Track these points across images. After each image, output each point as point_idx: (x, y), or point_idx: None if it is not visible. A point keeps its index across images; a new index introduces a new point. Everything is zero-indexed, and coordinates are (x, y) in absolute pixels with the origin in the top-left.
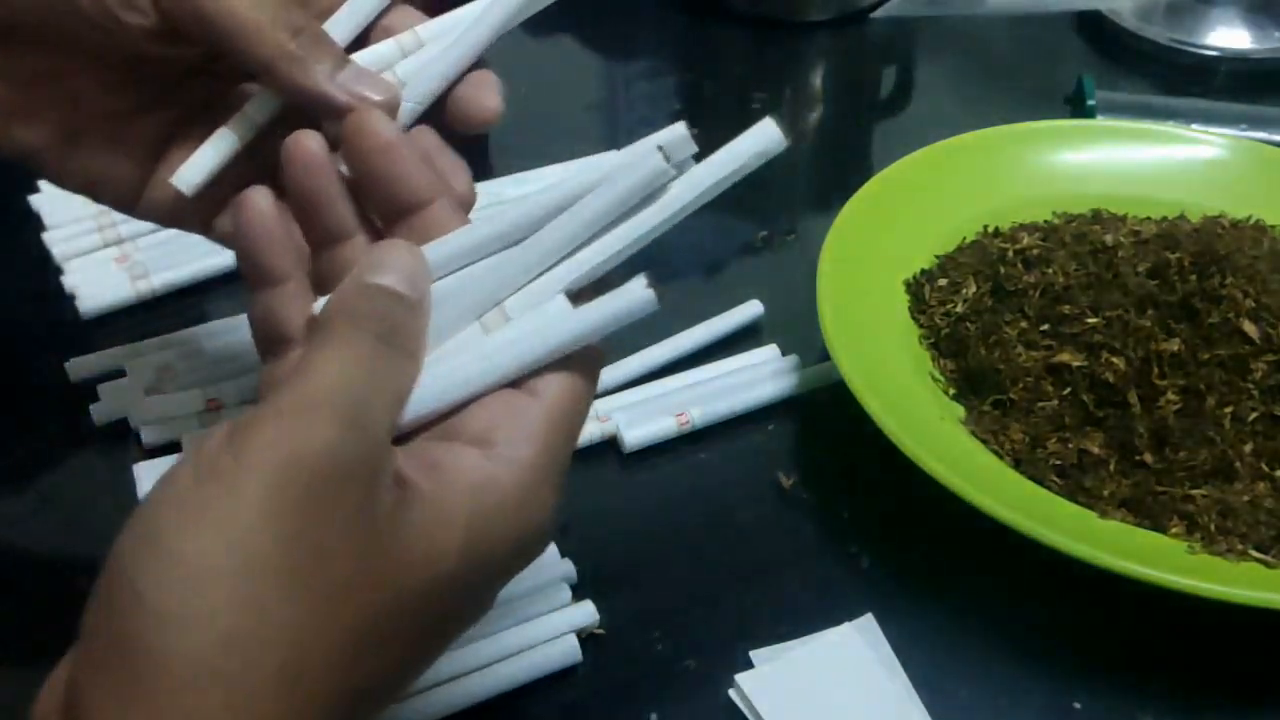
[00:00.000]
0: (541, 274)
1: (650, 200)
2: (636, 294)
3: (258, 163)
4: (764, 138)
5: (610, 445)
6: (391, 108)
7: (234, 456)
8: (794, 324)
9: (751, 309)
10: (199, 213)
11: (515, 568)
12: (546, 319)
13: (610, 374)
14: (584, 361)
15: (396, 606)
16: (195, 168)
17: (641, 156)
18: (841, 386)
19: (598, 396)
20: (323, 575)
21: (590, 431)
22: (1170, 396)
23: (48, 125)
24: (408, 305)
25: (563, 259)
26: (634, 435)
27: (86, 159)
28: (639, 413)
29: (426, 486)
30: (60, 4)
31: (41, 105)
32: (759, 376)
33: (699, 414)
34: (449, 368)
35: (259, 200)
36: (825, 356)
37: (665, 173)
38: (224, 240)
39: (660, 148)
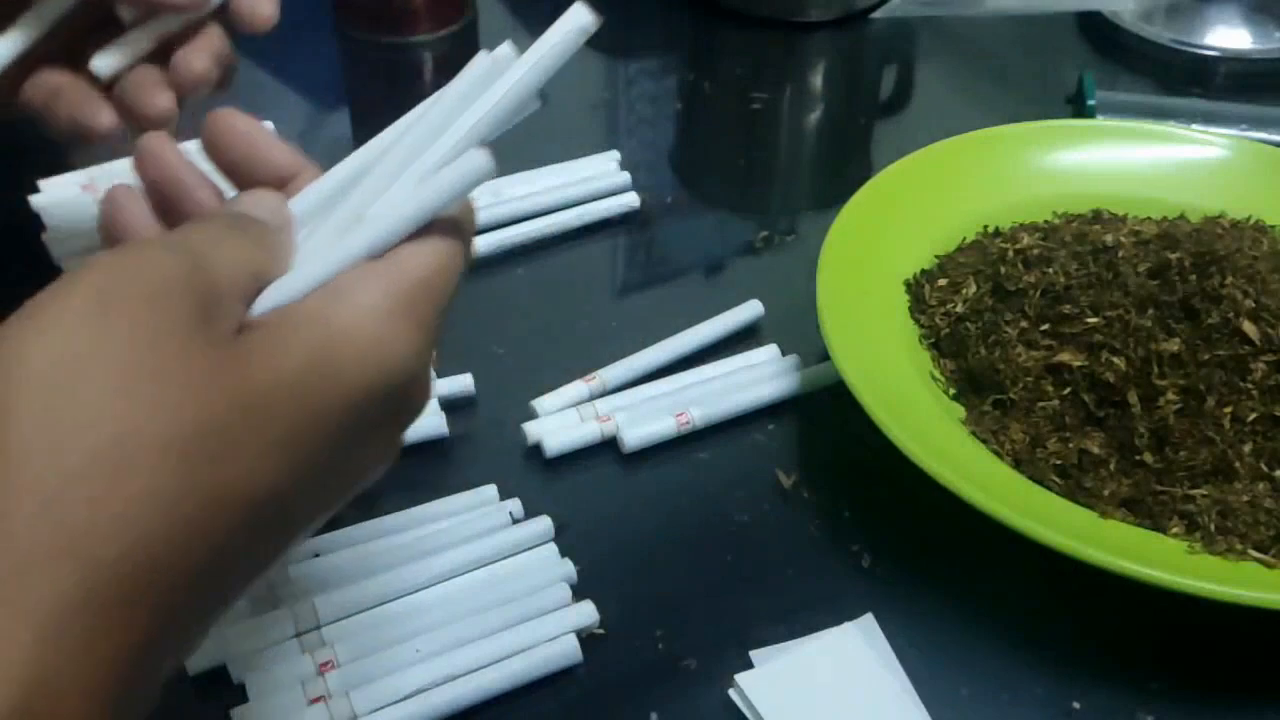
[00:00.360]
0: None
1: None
2: (475, 161)
3: (57, 48)
4: (575, 21)
5: (610, 445)
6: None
7: (69, 279)
8: (794, 324)
9: (751, 309)
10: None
11: (379, 420)
12: (392, 201)
13: (611, 373)
14: (443, 230)
15: (231, 416)
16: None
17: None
18: (841, 386)
19: (598, 396)
20: (148, 370)
21: (590, 431)
22: (1170, 396)
23: None
24: (263, 221)
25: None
26: (634, 435)
27: None
28: (639, 413)
29: (269, 322)
30: None
31: None
32: (759, 376)
33: (699, 414)
34: (305, 264)
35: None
36: (825, 356)
37: (492, 71)
38: (32, 109)
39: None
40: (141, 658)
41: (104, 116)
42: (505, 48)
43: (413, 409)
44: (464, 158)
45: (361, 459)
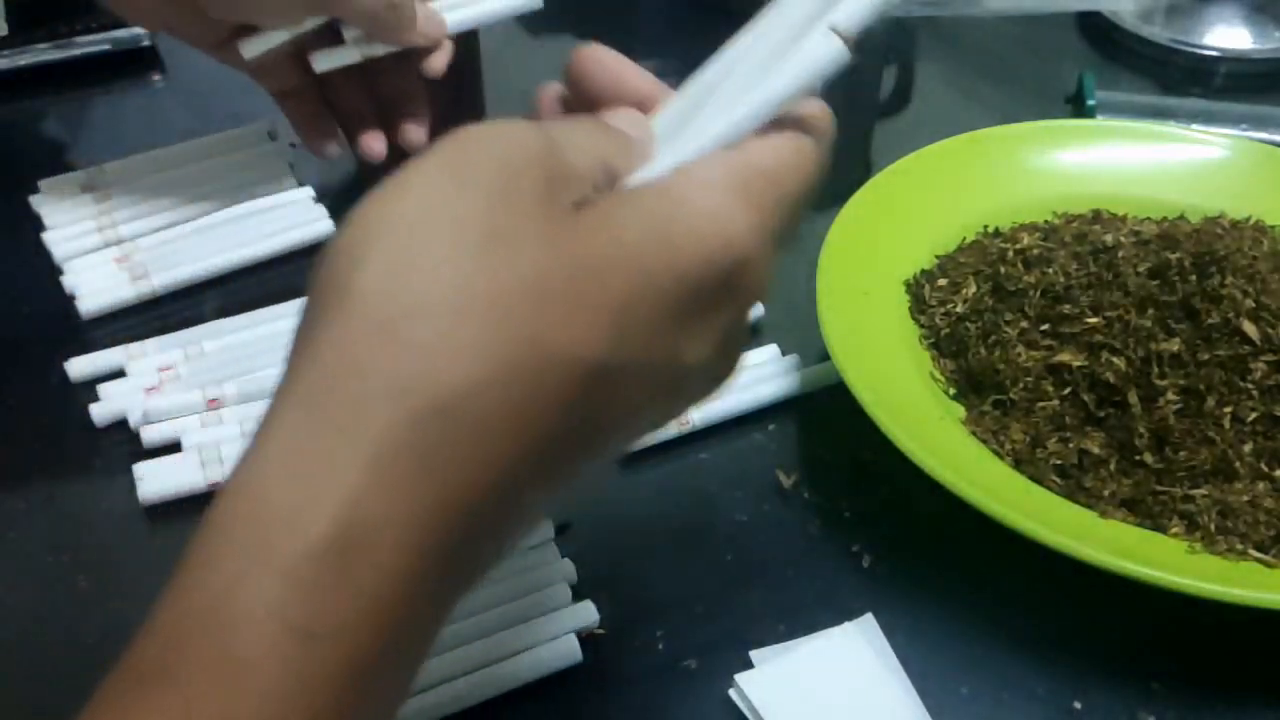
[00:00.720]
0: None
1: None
2: (826, 46)
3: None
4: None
5: None
6: (440, 36)
7: (434, 146)
8: (794, 324)
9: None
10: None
11: (712, 300)
12: (737, 95)
13: None
14: (793, 126)
15: (565, 280)
16: (254, 46)
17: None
18: (841, 386)
19: None
20: (491, 229)
21: None
22: (1170, 396)
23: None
24: (623, 129)
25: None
26: None
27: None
28: None
29: (610, 197)
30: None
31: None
32: (759, 376)
33: (699, 414)
34: (655, 161)
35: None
36: (825, 356)
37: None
38: (256, 79)
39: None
40: (460, 521)
41: (331, 149)
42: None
43: (746, 295)
44: (814, 43)
45: (694, 349)
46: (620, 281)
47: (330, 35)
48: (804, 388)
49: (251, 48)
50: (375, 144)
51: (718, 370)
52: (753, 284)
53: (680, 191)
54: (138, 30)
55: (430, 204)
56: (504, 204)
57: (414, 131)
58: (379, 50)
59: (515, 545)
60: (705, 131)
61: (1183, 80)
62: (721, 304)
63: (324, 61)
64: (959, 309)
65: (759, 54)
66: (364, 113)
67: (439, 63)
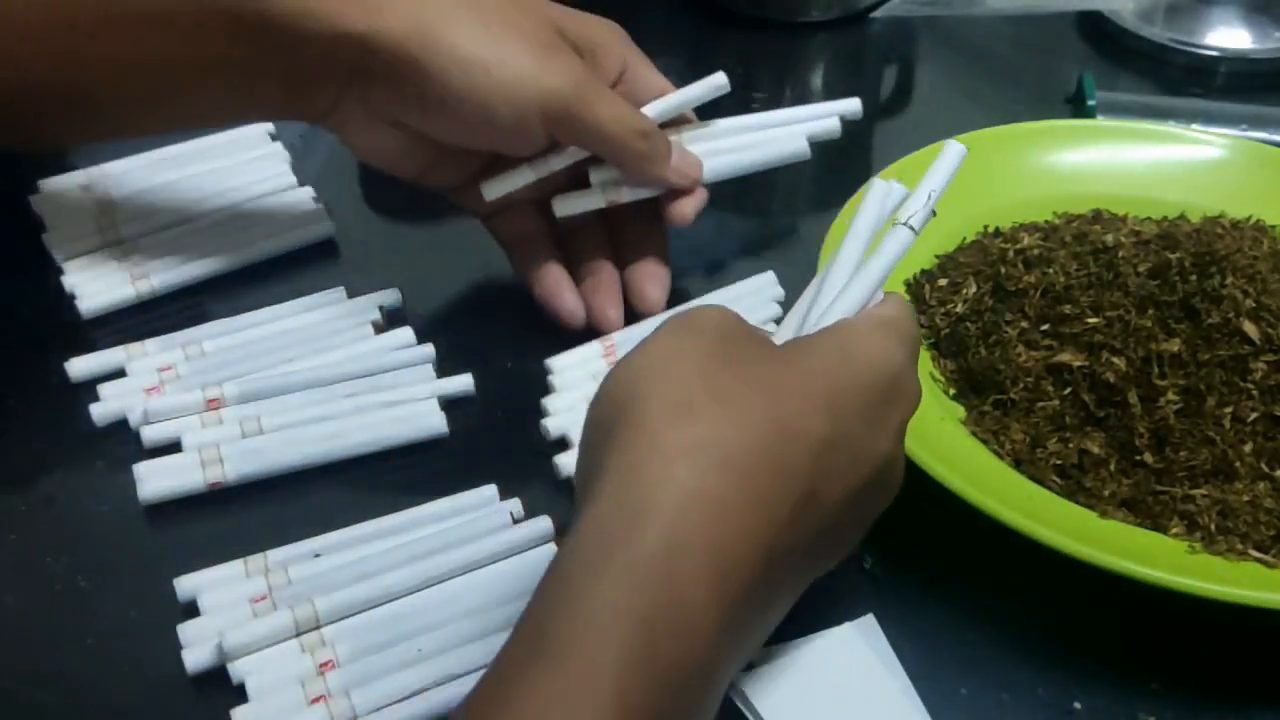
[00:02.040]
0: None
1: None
2: (897, 237)
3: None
4: (955, 153)
5: None
6: (698, 178)
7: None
8: None
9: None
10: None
11: (886, 399)
12: (847, 281)
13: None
14: (894, 298)
15: (789, 385)
16: (496, 188)
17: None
18: None
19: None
20: (745, 376)
21: None
22: (1170, 396)
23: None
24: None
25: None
26: None
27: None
28: None
29: (799, 339)
30: (500, 136)
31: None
32: None
33: None
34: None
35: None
36: None
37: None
38: (488, 226)
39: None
40: (742, 552)
41: (571, 304)
42: (896, 186)
43: (907, 401)
44: (892, 239)
45: (881, 438)
46: (825, 383)
47: (575, 182)
48: None
49: (493, 189)
50: (611, 311)
51: (898, 465)
52: (909, 390)
53: (848, 328)
54: None
55: (678, 345)
56: (730, 340)
57: (653, 291)
58: (625, 196)
59: (778, 618)
60: (836, 306)
61: (1183, 80)
62: (893, 404)
63: (566, 206)
64: (959, 309)
65: (850, 253)
66: (597, 268)
67: (687, 210)
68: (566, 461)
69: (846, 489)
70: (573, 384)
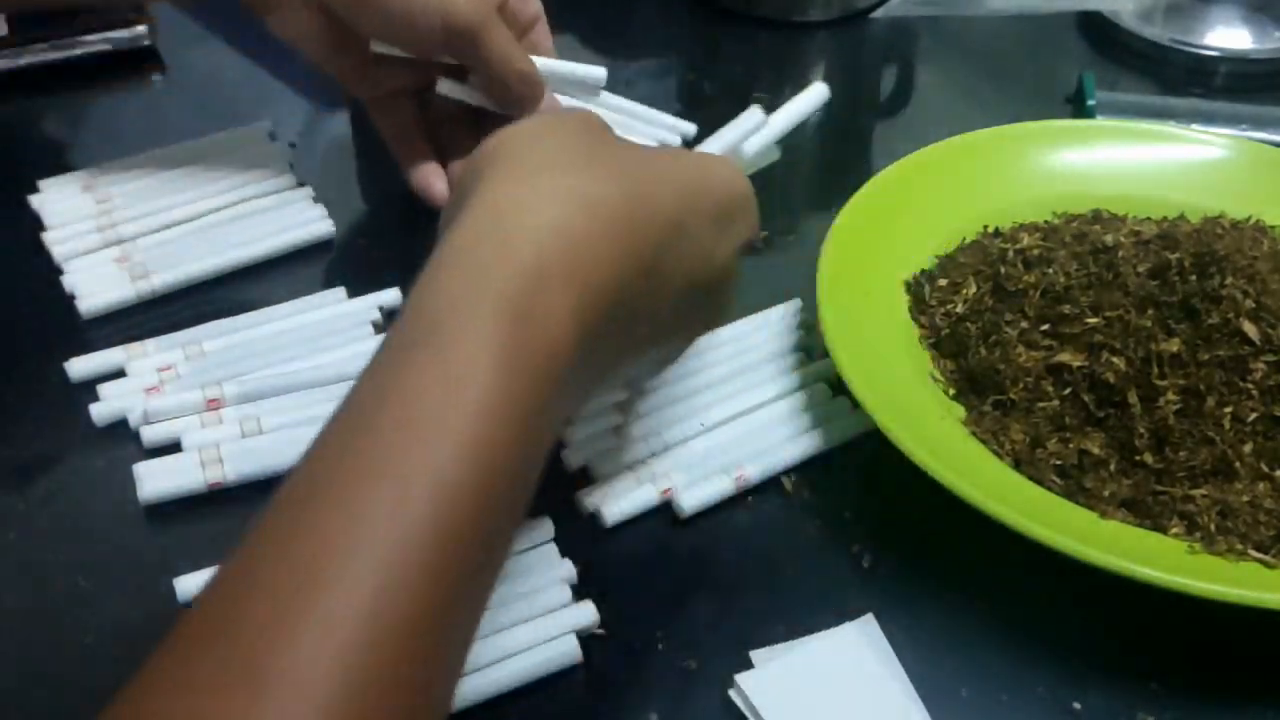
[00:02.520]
0: None
1: None
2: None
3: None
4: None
5: None
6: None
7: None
8: (795, 323)
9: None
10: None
11: (732, 212)
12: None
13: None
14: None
15: (649, 168)
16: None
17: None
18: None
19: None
20: (613, 152)
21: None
22: (1170, 397)
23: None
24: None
25: None
26: (643, 429)
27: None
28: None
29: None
30: (408, 37)
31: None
32: (759, 379)
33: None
34: None
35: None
36: (825, 356)
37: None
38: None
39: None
40: (600, 283)
41: (440, 191)
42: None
43: (747, 226)
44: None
45: (723, 249)
46: (683, 177)
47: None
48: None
49: (444, 86)
50: (438, 183)
51: (732, 284)
52: (751, 217)
53: (705, 153)
54: (138, 30)
55: (555, 122)
56: (600, 128)
57: None
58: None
59: (624, 364)
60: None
61: (1183, 80)
62: (736, 221)
63: (448, 88)
64: (959, 309)
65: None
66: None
67: None
68: (592, 497)
69: (689, 275)
70: (591, 415)
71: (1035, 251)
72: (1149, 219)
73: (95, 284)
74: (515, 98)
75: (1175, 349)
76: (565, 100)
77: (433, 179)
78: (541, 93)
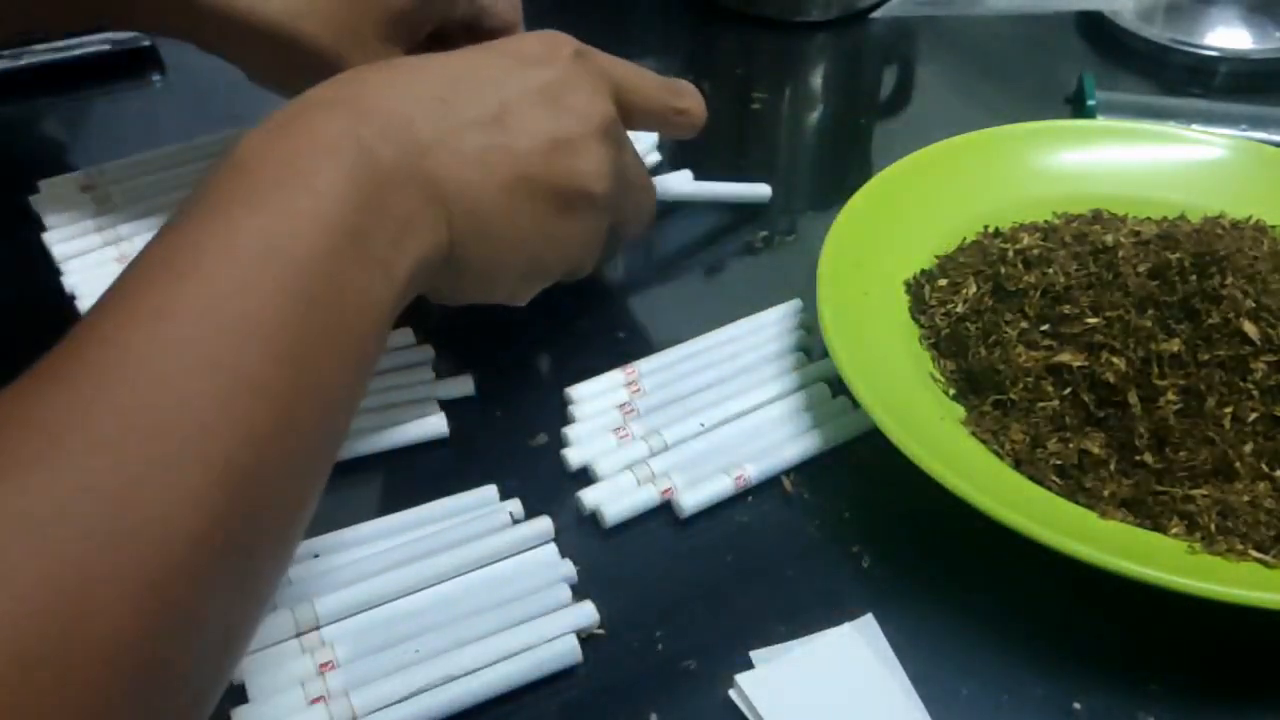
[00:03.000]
0: None
1: None
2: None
3: None
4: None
5: None
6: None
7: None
8: (795, 324)
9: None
10: None
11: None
12: None
13: (617, 377)
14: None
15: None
16: None
17: None
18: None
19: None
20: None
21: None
22: (1170, 397)
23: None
24: None
25: None
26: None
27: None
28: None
29: None
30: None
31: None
32: (758, 379)
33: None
34: None
35: None
36: (825, 355)
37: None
38: None
39: None
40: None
41: None
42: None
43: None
44: None
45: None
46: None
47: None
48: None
49: None
50: None
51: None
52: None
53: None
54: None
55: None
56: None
57: None
58: None
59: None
60: None
61: (1183, 80)
62: (542, 63)
63: None
64: (959, 309)
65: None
66: None
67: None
68: (591, 497)
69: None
70: (593, 414)
71: (1035, 251)
72: (1149, 219)
73: (96, 284)
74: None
75: (1175, 349)
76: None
77: None
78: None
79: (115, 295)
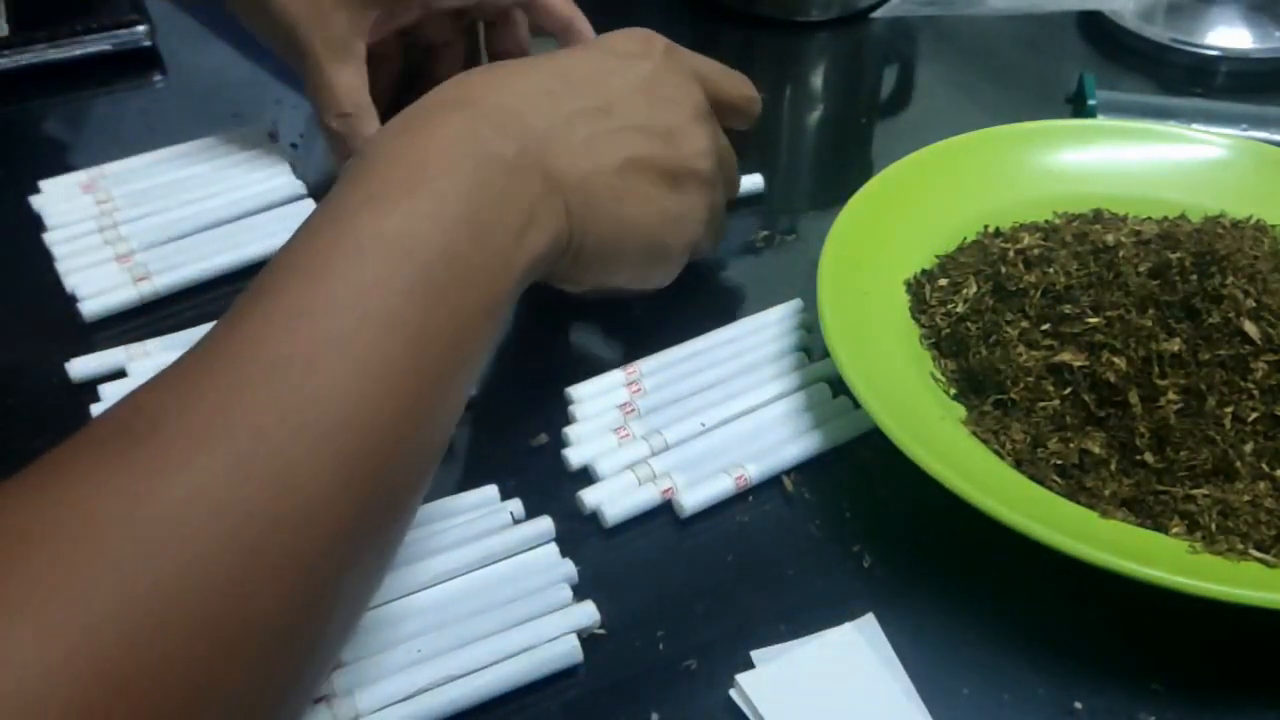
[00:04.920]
0: None
1: None
2: None
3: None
4: None
5: None
6: None
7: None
8: (796, 324)
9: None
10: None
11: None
12: None
13: (616, 378)
14: None
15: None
16: None
17: None
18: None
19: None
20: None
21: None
22: (1171, 396)
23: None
24: None
25: None
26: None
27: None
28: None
29: None
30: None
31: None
32: (758, 380)
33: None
34: None
35: None
36: (825, 355)
37: None
38: None
39: None
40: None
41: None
42: None
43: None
44: None
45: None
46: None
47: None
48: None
49: None
50: None
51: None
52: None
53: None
54: (138, 30)
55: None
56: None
57: None
58: None
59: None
60: None
61: (1183, 80)
62: (638, 56)
63: None
64: (959, 309)
65: None
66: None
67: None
68: (592, 497)
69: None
70: (594, 413)
71: (1036, 251)
72: (1150, 219)
73: (96, 285)
74: (332, 138)
75: (1176, 349)
76: None
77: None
78: (351, 152)
79: (252, 297)
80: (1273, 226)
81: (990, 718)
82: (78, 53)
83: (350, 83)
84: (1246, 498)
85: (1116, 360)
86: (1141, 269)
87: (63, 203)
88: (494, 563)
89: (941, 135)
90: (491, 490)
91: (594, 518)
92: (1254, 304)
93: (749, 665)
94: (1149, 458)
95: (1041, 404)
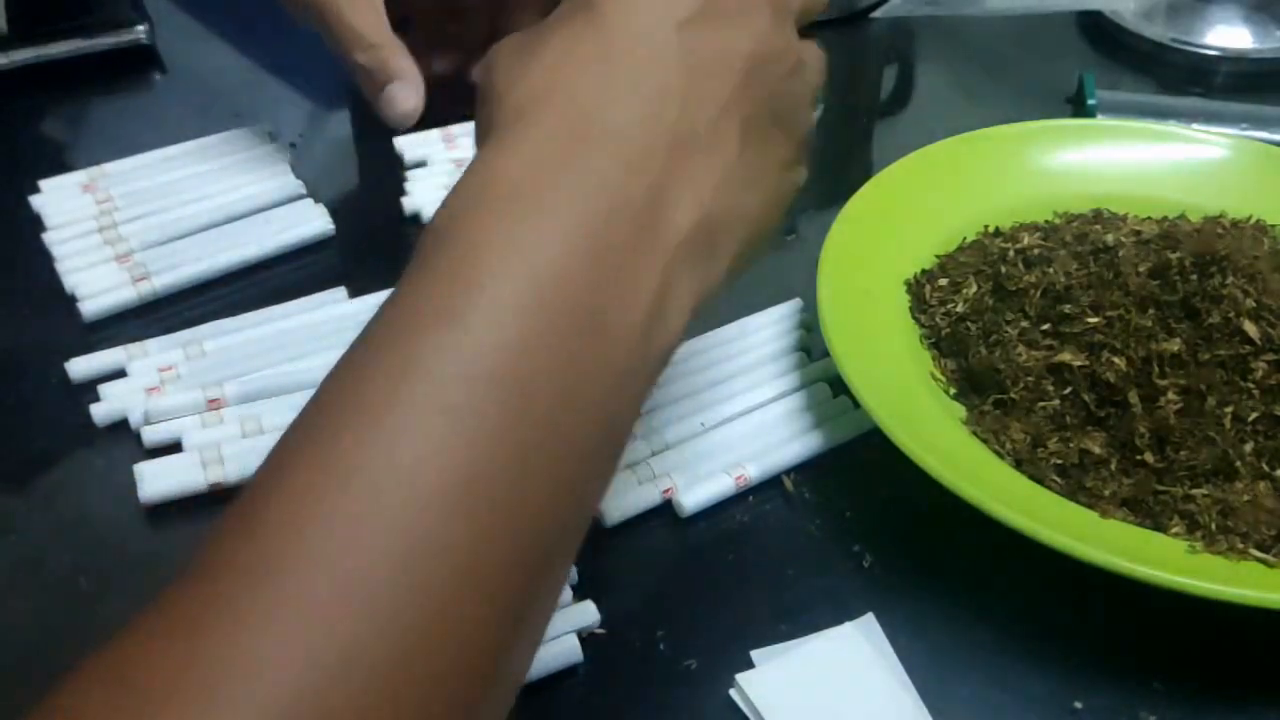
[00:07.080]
0: None
1: None
2: None
3: None
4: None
5: None
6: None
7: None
8: (796, 323)
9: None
10: None
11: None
12: None
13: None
14: None
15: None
16: None
17: None
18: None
19: None
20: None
21: None
22: (1171, 396)
23: None
24: None
25: None
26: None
27: None
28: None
29: None
30: None
31: None
32: (758, 379)
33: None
34: None
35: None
36: (825, 355)
37: None
38: None
39: None
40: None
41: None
42: None
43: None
44: None
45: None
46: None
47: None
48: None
49: None
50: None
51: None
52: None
53: None
54: (138, 30)
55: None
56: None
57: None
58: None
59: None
60: None
61: (1183, 80)
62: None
63: None
64: (959, 309)
65: None
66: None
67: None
68: None
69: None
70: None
71: (1036, 251)
72: (1150, 218)
73: (96, 284)
74: (355, 73)
75: (1176, 348)
76: None
77: (409, 93)
78: (388, 77)
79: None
80: (1273, 226)
81: (990, 718)
82: (78, 52)
83: (369, 19)
84: (1246, 498)
85: (1116, 360)
86: (1141, 269)
87: (62, 202)
88: None
89: (941, 135)
90: None
91: (594, 517)
92: (1254, 304)
93: (749, 665)
94: (1149, 457)
95: (1041, 404)
